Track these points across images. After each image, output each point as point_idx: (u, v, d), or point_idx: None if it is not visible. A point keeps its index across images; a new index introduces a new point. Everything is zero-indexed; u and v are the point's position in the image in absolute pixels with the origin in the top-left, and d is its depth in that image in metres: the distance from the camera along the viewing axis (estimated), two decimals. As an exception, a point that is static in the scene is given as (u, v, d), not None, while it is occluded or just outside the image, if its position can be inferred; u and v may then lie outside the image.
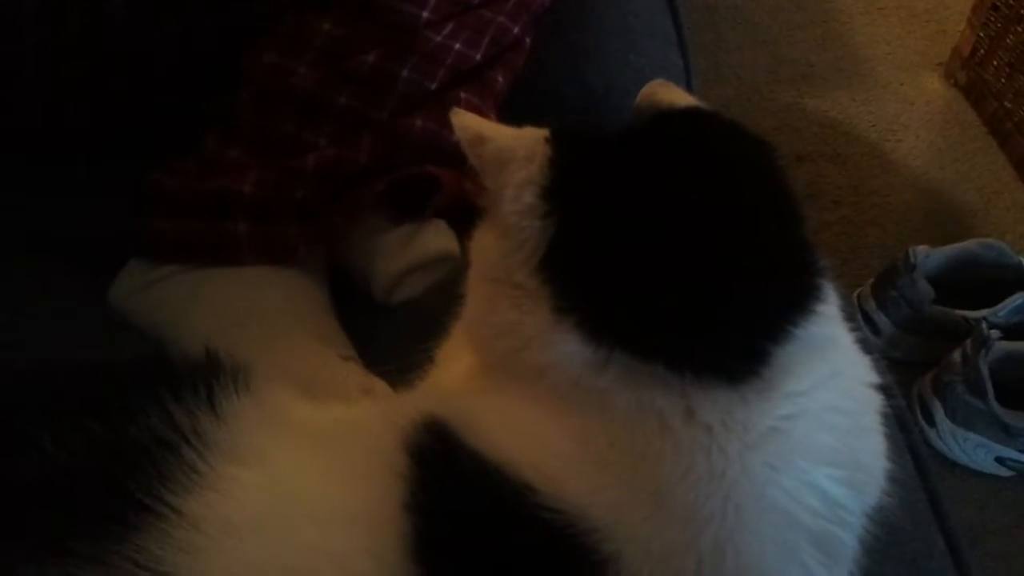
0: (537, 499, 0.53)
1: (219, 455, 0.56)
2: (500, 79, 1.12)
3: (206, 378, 0.60)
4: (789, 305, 0.58)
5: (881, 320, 1.66)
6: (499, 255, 0.61)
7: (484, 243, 0.64)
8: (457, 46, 1.07)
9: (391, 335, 0.96)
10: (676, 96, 0.71)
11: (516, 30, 1.12)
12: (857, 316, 1.69)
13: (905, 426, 0.91)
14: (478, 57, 1.09)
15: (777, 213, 0.61)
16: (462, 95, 1.07)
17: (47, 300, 0.96)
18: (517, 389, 0.59)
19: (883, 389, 0.65)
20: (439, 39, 1.06)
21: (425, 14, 1.05)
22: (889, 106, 2.08)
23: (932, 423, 1.56)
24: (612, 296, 0.57)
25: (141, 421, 0.57)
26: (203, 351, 0.63)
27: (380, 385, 0.86)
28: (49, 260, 1.00)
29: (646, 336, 0.56)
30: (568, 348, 0.57)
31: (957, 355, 1.54)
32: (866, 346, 0.67)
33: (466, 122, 0.65)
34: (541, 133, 0.63)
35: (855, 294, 1.72)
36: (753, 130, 0.67)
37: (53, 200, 1.04)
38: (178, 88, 1.07)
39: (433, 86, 1.05)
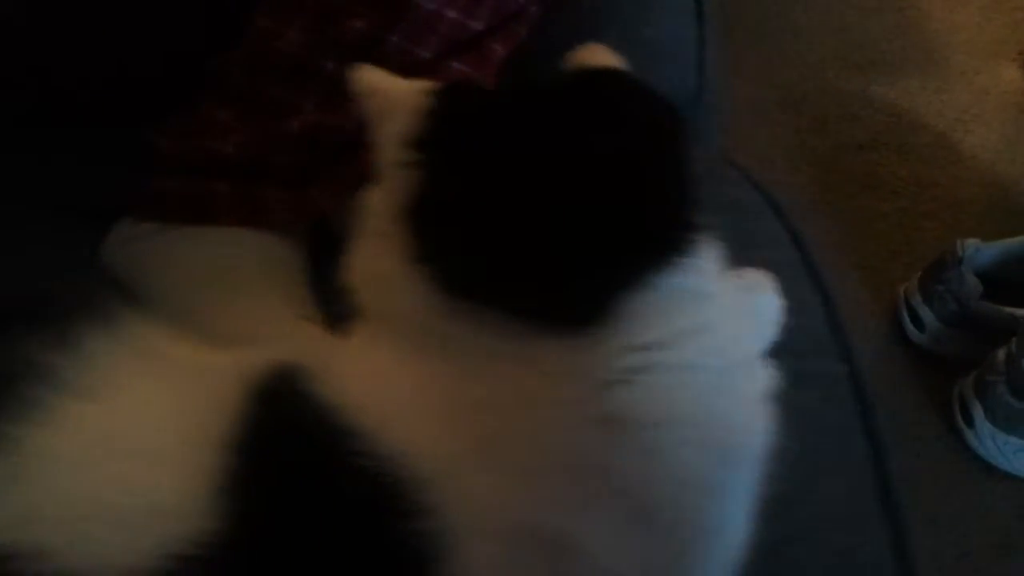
0: (355, 445, 0.52)
1: (70, 390, 0.56)
2: (499, 49, 1.10)
3: (76, 316, 0.61)
4: (645, 255, 0.56)
5: (926, 314, 1.59)
6: (375, 205, 0.62)
7: (370, 194, 0.64)
8: (452, 14, 1.06)
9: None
10: (605, 61, 0.70)
11: None
12: (902, 310, 1.63)
13: (865, 400, 0.85)
14: (476, 26, 1.08)
15: (655, 172, 0.59)
16: (455, 65, 1.06)
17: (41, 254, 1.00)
18: (377, 337, 0.60)
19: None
20: (432, 6, 1.05)
21: None
22: (961, 96, 1.98)
23: (971, 424, 1.49)
24: (463, 245, 0.57)
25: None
26: (79, 291, 0.65)
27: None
28: (49, 219, 1.03)
29: (491, 284, 0.56)
30: (419, 296, 0.57)
31: (1001, 354, 1.46)
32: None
33: (364, 76, 0.66)
34: (428, 86, 0.63)
35: (902, 288, 1.65)
36: (660, 96, 0.65)
37: (54, 161, 1.07)
38: (174, 48, 1.09)
39: (426, 55, 1.04)
